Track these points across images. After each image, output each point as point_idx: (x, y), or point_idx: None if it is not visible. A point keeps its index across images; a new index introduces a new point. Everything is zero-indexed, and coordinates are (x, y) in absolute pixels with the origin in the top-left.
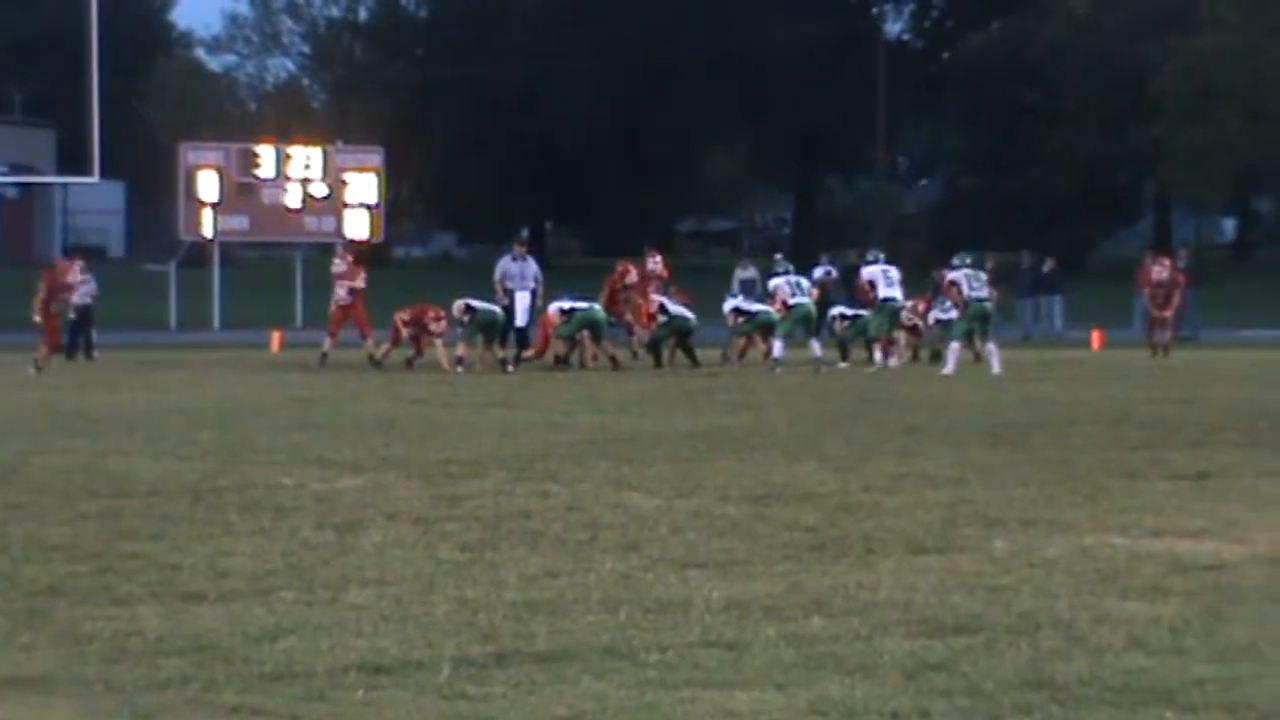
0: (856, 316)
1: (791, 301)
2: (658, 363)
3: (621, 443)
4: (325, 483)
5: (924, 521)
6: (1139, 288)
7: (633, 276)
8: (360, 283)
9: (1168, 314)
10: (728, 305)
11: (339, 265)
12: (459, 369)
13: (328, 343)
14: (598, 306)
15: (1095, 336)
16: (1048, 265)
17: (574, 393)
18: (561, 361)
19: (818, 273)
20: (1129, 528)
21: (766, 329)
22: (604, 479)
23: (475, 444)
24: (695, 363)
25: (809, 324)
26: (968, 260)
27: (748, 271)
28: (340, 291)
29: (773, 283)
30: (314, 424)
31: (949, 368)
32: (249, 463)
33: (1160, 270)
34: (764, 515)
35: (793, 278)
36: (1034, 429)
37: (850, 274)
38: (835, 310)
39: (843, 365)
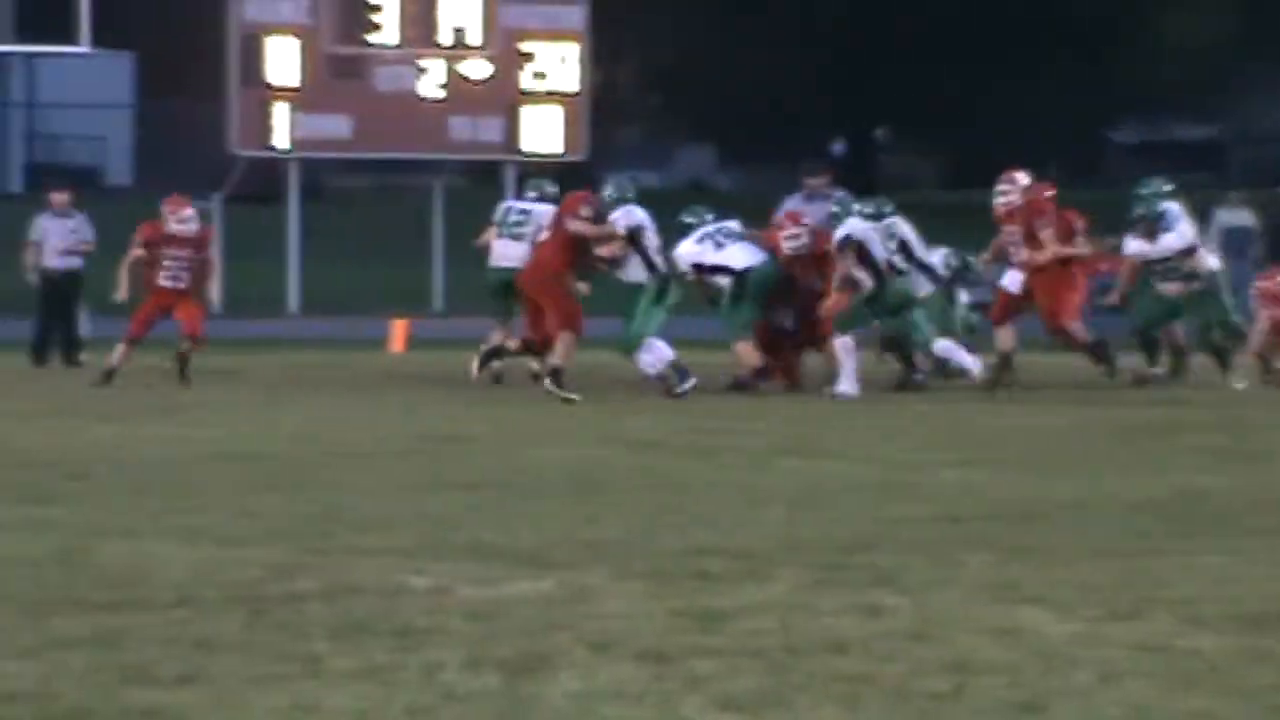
0: None
1: None
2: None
3: (1009, 520)
4: (486, 586)
5: None
6: None
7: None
8: None
9: None
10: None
11: None
12: None
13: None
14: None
15: None
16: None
17: (920, 431)
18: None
19: None
20: None
21: None
22: (979, 584)
23: (745, 519)
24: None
25: None
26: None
27: (1236, 214)
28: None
29: None
30: (466, 482)
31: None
32: (347, 550)
33: None
34: (1269, 654)
35: None
36: None
37: None
38: None
39: None
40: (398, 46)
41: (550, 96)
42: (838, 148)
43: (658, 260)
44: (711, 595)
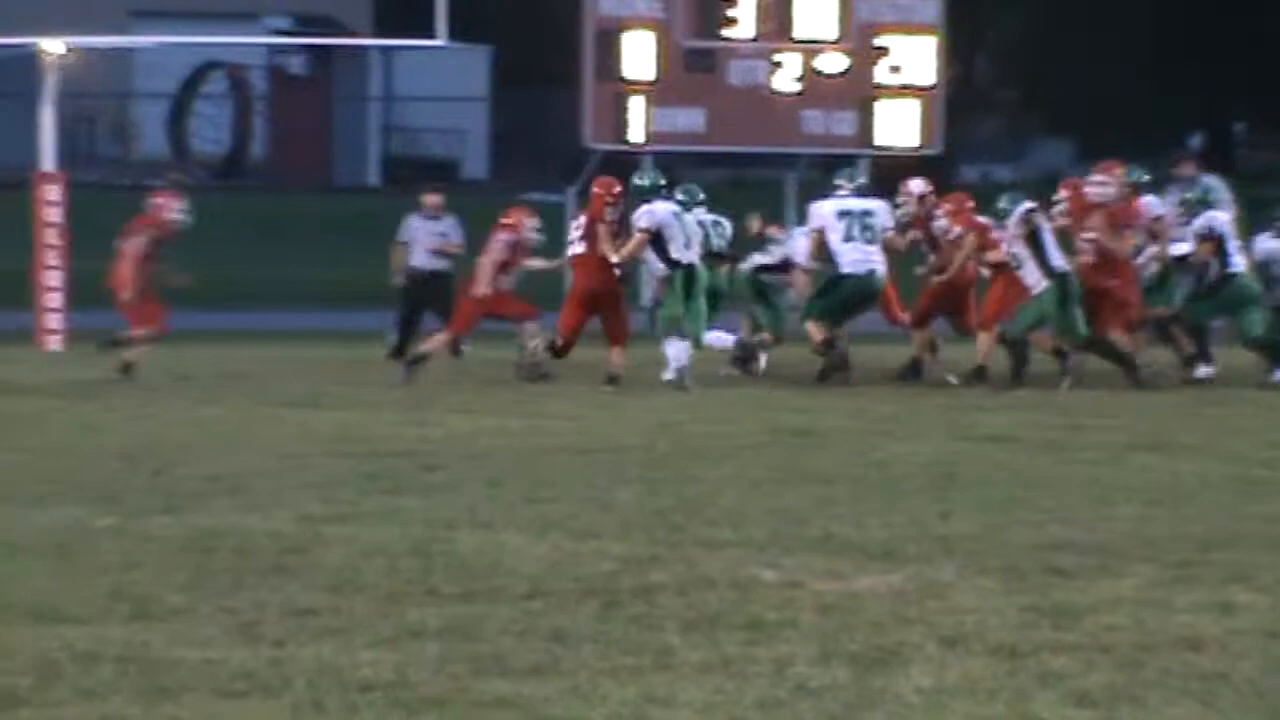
0: None
1: None
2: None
3: None
4: (836, 580)
5: None
6: None
7: None
8: None
9: None
10: None
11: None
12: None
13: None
14: None
15: None
16: None
17: (1271, 428)
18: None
19: None
20: None
21: None
22: None
23: (1099, 515)
24: None
25: None
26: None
27: None
28: None
29: None
30: (820, 476)
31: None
32: (699, 543)
33: None
34: None
35: None
36: None
37: None
38: None
39: None
40: (752, 40)
41: (905, 90)
42: (1194, 142)
43: (680, 255)
44: (1064, 591)
